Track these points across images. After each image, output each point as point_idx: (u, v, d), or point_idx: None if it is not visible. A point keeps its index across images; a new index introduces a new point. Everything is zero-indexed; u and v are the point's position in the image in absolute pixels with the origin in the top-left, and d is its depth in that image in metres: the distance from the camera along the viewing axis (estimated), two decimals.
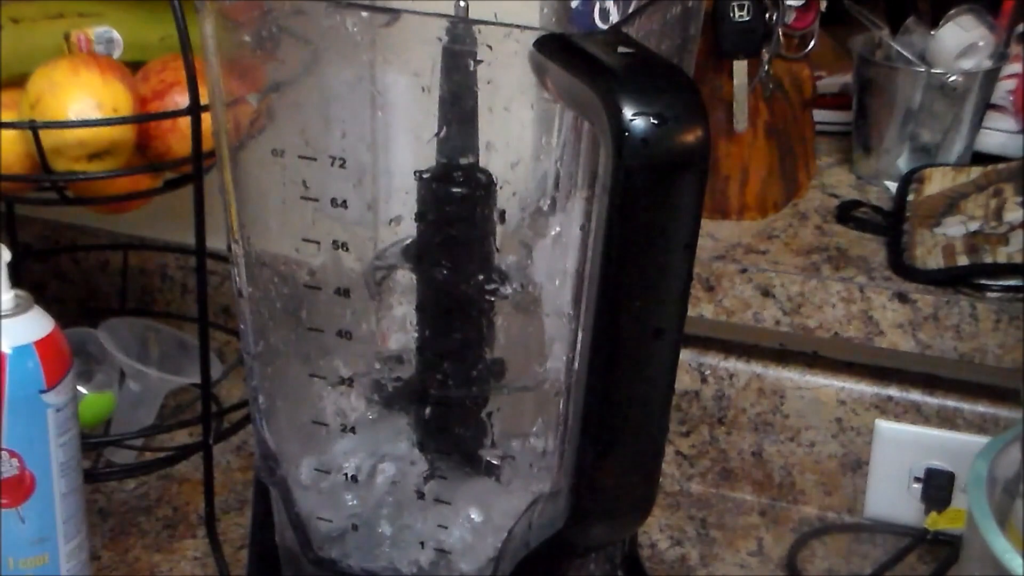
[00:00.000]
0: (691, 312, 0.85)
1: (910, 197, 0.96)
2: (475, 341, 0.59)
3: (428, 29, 0.54)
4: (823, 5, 0.98)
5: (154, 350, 0.95)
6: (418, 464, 0.60)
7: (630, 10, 0.59)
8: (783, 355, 0.91)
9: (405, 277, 0.59)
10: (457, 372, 0.59)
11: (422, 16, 0.53)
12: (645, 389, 0.52)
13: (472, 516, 0.61)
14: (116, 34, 0.81)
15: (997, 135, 1.05)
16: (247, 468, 0.93)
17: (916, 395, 0.88)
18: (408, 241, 0.58)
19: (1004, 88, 1.05)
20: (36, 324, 0.70)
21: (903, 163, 1.02)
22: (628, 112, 0.46)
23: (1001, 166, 0.98)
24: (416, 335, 0.59)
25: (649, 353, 0.51)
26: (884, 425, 0.89)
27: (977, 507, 0.64)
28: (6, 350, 0.68)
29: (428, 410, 0.59)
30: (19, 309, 0.70)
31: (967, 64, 1.00)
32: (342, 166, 0.57)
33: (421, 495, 0.60)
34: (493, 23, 0.53)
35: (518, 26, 0.51)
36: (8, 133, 0.75)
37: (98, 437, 0.89)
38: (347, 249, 0.58)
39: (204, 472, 0.82)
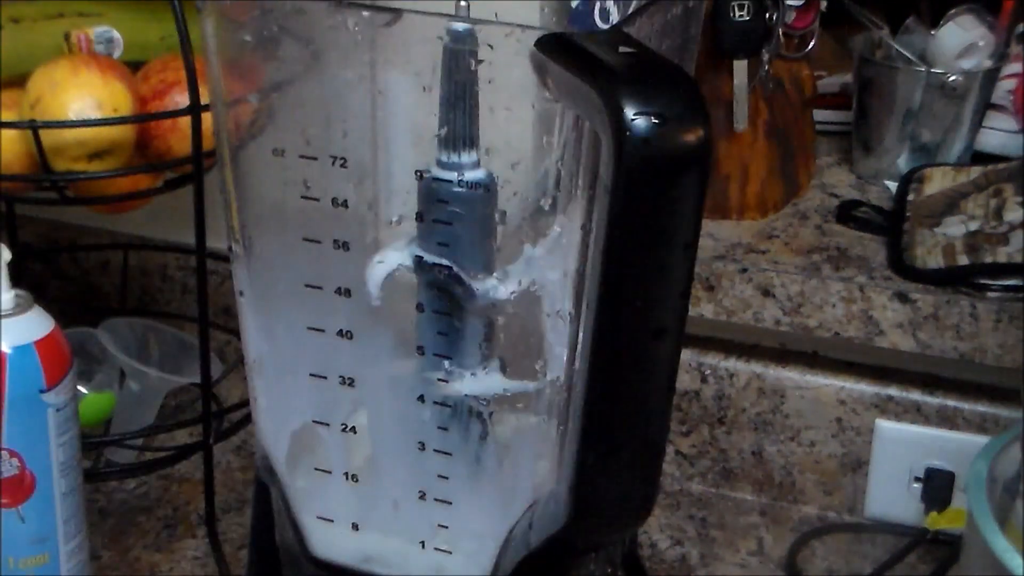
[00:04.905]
0: (691, 312, 0.85)
1: (910, 197, 0.96)
2: (475, 341, 0.59)
3: (429, 29, 0.54)
4: (823, 5, 0.98)
5: (154, 350, 0.95)
6: (419, 463, 0.60)
7: (630, 10, 0.58)
8: (783, 355, 0.91)
9: (405, 277, 0.59)
10: (457, 372, 0.59)
11: (423, 16, 0.53)
12: (645, 389, 0.52)
13: (472, 516, 0.61)
14: (116, 34, 0.81)
15: (997, 135, 1.05)
16: (247, 468, 0.93)
17: (916, 395, 0.88)
18: (408, 241, 0.58)
19: (1004, 88, 1.05)
20: (36, 324, 0.70)
21: (903, 163, 1.02)
22: (629, 111, 0.46)
23: (1001, 166, 0.98)
24: (416, 335, 0.59)
25: (649, 353, 0.51)
26: (884, 425, 0.89)
27: (977, 507, 0.64)
28: (6, 350, 0.68)
29: (428, 410, 0.59)
30: (19, 309, 0.70)
31: (967, 64, 1.00)
32: (343, 166, 0.57)
33: (421, 495, 0.60)
34: (494, 23, 0.53)
35: (519, 26, 0.51)
36: (8, 133, 0.75)
37: (98, 437, 0.89)
38: (347, 249, 0.58)
39: (204, 472, 0.82)
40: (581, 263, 0.54)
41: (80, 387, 0.84)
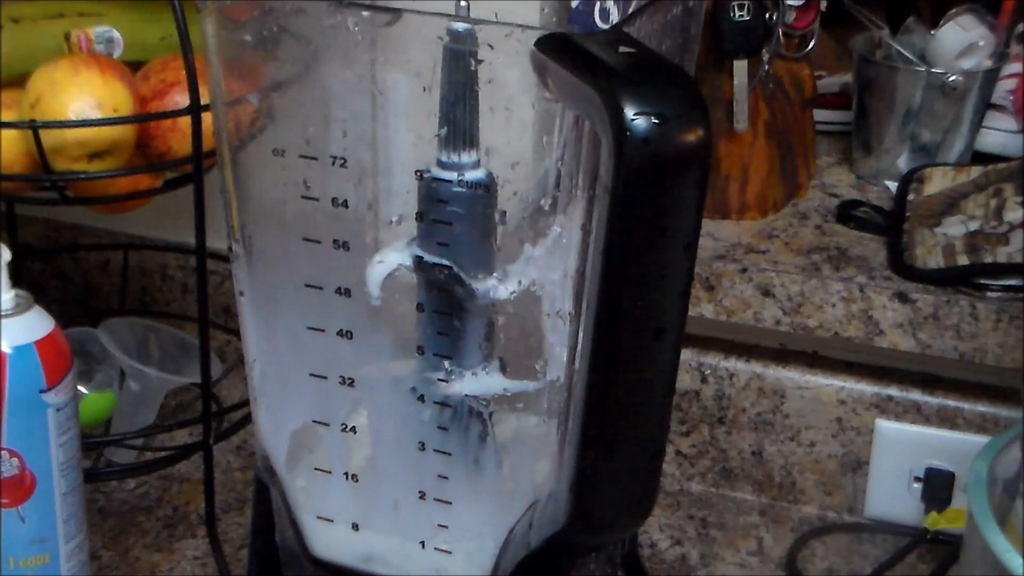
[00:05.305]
0: (691, 312, 0.85)
1: (910, 197, 0.96)
2: (475, 341, 0.59)
3: (429, 29, 0.54)
4: (823, 5, 0.98)
5: (154, 350, 0.95)
6: (419, 463, 0.60)
7: (630, 10, 0.59)
8: (783, 355, 0.91)
9: (405, 277, 0.59)
10: (457, 372, 0.59)
11: (423, 16, 0.53)
12: (645, 389, 0.52)
13: (472, 516, 0.61)
14: (116, 34, 0.81)
15: (997, 135, 1.05)
16: (247, 468, 0.93)
17: (916, 395, 0.88)
18: (408, 241, 0.58)
19: (1004, 88, 1.05)
20: (36, 324, 0.70)
21: (903, 163, 1.02)
22: (629, 111, 0.46)
23: (1001, 166, 0.98)
24: (416, 335, 0.59)
25: (649, 353, 0.51)
26: (884, 425, 0.89)
27: (977, 507, 0.64)
28: (6, 350, 0.68)
29: (428, 410, 0.59)
30: (19, 309, 0.70)
31: (967, 64, 1.00)
32: (343, 166, 0.57)
33: (421, 495, 0.60)
34: (494, 23, 0.53)
35: (519, 26, 0.51)
36: (8, 133, 0.75)
37: (98, 437, 0.89)
38: (347, 249, 0.58)
39: (204, 472, 0.82)
40: (581, 263, 0.54)
41: (80, 387, 0.84)
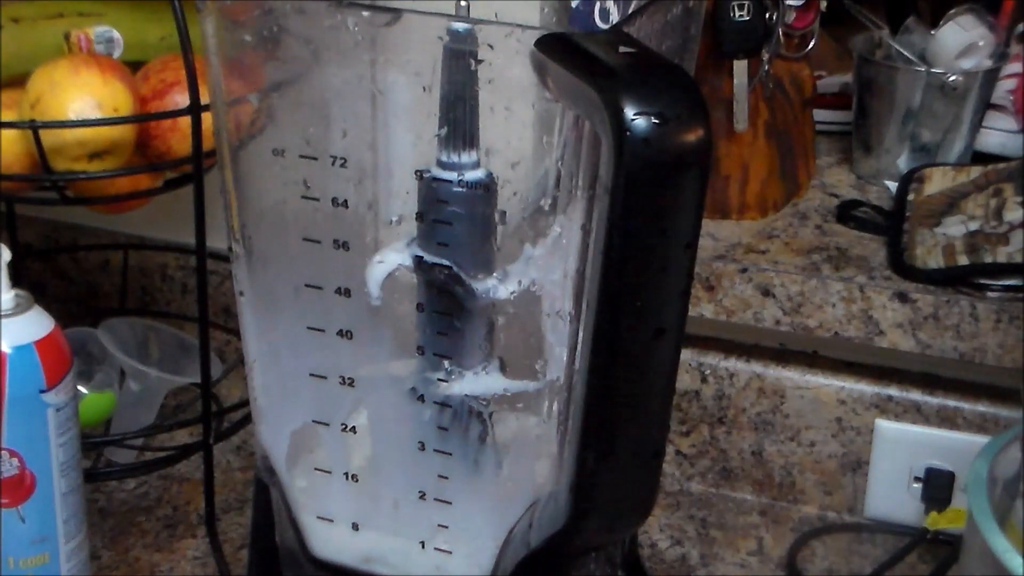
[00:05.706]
0: (691, 312, 0.85)
1: (910, 197, 0.96)
2: (475, 341, 0.59)
3: (429, 29, 0.54)
4: (823, 5, 0.98)
5: (154, 350, 0.95)
6: (419, 463, 0.60)
7: (630, 10, 0.59)
8: (783, 355, 0.91)
9: (405, 277, 0.59)
10: (457, 372, 0.59)
11: (423, 16, 0.53)
12: (645, 389, 0.52)
13: (472, 516, 0.61)
14: (116, 34, 0.81)
15: (997, 135, 1.05)
16: (247, 468, 0.93)
17: (916, 395, 0.88)
18: (408, 241, 0.58)
19: (1004, 88, 1.05)
20: (36, 324, 0.70)
21: (903, 163, 1.02)
22: (629, 112, 0.46)
23: (1001, 166, 0.98)
24: (416, 335, 0.59)
25: (649, 353, 0.51)
26: (884, 425, 0.89)
27: (977, 507, 0.64)
28: (6, 350, 0.68)
29: (428, 410, 0.59)
30: (19, 309, 0.70)
31: (967, 64, 1.00)
32: (343, 166, 0.57)
33: (421, 495, 0.60)
34: (494, 23, 0.53)
35: (519, 26, 0.51)
36: (8, 133, 0.75)
37: (98, 437, 0.89)
38: (347, 249, 0.58)
39: (204, 472, 0.82)
40: (581, 263, 0.54)
41: (80, 387, 0.84)
